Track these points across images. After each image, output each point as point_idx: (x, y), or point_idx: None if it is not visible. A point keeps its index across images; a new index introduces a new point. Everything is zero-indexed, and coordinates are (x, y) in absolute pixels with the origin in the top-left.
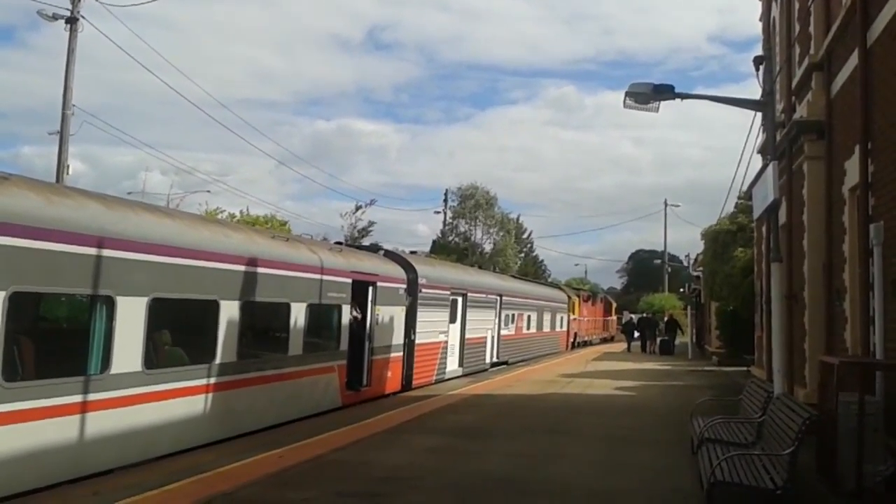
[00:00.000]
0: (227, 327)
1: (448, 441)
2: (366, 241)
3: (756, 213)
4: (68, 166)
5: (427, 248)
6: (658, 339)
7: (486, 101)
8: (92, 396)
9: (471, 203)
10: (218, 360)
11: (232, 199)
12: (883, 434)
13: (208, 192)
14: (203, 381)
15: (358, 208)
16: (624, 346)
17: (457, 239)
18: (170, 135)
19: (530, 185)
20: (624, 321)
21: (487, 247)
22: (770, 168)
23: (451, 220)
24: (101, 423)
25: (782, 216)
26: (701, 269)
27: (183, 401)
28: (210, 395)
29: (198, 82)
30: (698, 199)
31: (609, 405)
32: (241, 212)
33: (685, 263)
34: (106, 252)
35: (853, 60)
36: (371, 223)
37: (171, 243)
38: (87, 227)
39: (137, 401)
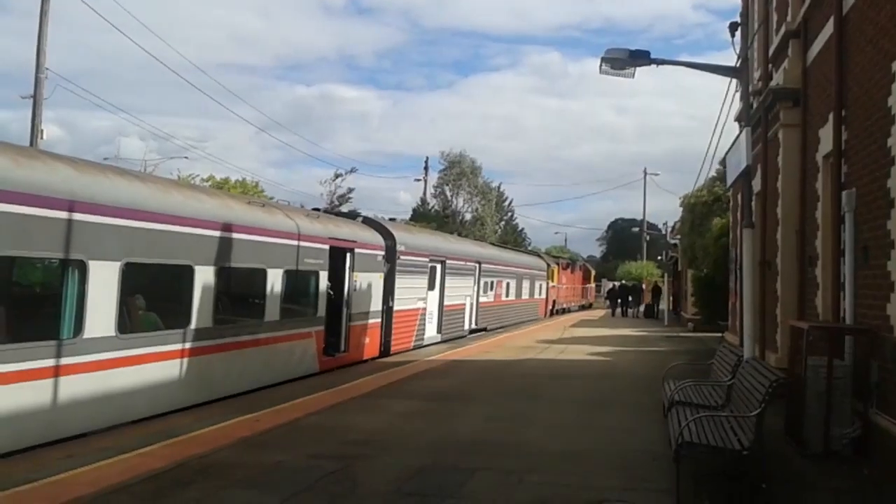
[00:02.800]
0: (202, 293)
1: (424, 405)
2: (345, 209)
3: (730, 180)
4: (42, 130)
5: (408, 216)
6: (643, 305)
7: (469, 67)
8: (65, 360)
9: (456, 170)
10: (193, 326)
11: (212, 166)
12: (850, 397)
13: (186, 157)
14: (178, 346)
15: (337, 176)
16: (601, 312)
17: (437, 207)
18: (148, 100)
19: (512, 154)
20: (608, 289)
21: (468, 215)
22: (744, 134)
23: (436, 187)
24: (75, 386)
25: (757, 184)
26: (678, 237)
27: (158, 365)
28: (185, 359)
29: (177, 46)
30: (679, 168)
31: (585, 370)
32: (210, 176)
33: (663, 231)
34: (77, 216)
35: (829, 28)
36: (350, 190)
37: (143, 208)
38: (57, 191)
39: (111, 365)
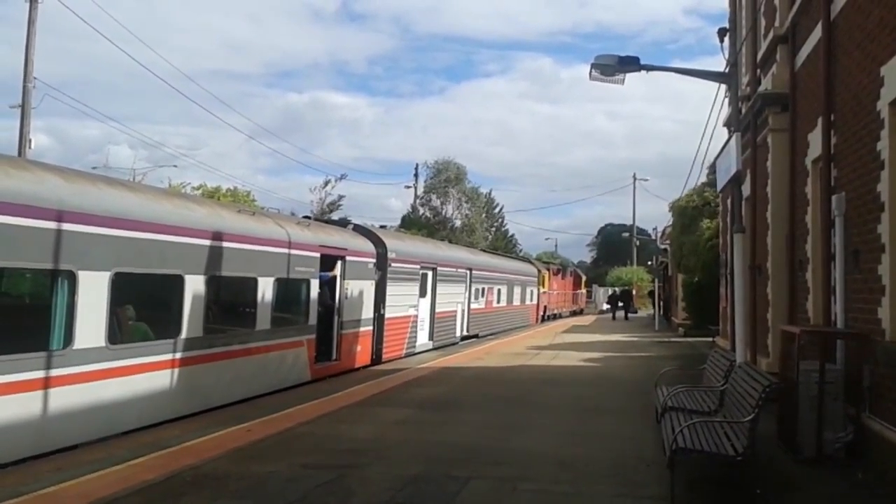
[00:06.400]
0: (193, 302)
1: (416, 413)
2: (336, 216)
3: (720, 185)
4: (30, 140)
5: (399, 223)
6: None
7: (460, 73)
8: (55, 372)
9: (443, 177)
10: (183, 335)
11: (203, 174)
12: (842, 402)
13: (175, 166)
14: (168, 356)
15: (327, 183)
16: (593, 318)
17: (427, 213)
18: (138, 108)
19: (503, 159)
20: (609, 294)
21: (458, 222)
22: (734, 140)
23: (423, 195)
24: (65, 398)
25: (746, 189)
26: (668, 241)
27: (148, 376)
28: (176, 370)
29: (167, 53)
30: (669, 173)
31: (576, 376)
32: (201, 184)
33: (653, 236)
34: (66, 226)
35: (817, 33)
36: (340, 197)
37: (133, 217)
38: (46, 201)
39: (101, 376)
